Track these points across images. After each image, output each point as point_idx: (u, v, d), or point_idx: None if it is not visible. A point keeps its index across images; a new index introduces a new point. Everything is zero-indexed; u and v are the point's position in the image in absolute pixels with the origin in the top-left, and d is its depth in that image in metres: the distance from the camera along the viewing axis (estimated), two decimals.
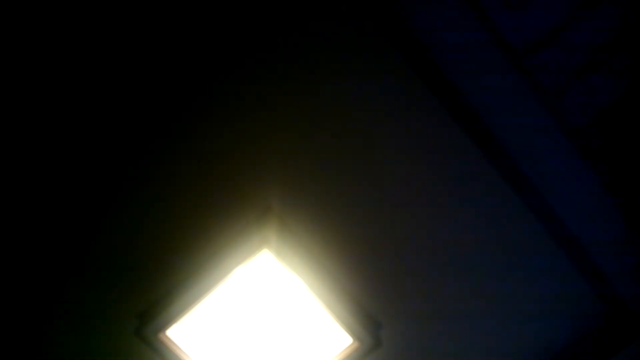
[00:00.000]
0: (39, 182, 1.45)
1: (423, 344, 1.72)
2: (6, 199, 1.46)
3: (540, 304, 1.64)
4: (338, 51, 1.33)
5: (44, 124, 1.38)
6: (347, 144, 1.43)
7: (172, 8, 1.28)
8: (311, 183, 1.48)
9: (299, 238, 1.54)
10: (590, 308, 1.65)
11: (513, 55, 1.36)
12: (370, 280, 1.61)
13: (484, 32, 1.33)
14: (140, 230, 1.52)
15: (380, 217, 1.52)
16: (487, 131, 1.42)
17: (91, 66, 1.33)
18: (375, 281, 1.61)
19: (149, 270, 1.57)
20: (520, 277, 1.60)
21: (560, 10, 1.36)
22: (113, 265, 1.56)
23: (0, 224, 1.49)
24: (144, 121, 1.39)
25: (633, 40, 1.39)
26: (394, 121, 1.41)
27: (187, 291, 1.52)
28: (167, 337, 1.58)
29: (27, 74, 1.33)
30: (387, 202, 1.50)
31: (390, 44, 1.32)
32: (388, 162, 1.45)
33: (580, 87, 1.44)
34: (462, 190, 1.49)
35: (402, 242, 1.55)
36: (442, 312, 1.66)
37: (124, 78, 1.34)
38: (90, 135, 1.40)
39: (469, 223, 1.53)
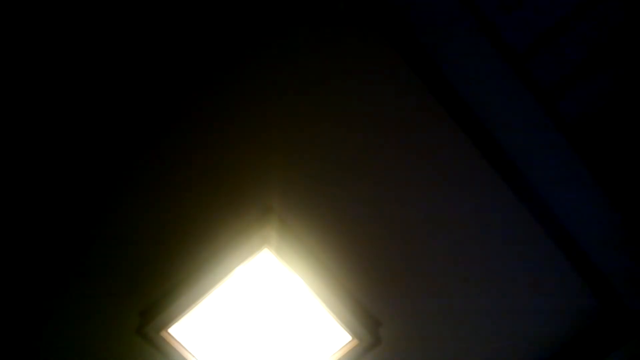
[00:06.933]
0: (40, 180, 1.45)
1: (422, 342, 1.72)
2: (8, 199, 1.47)
3: (539, 302, 1.65)
4: (339, 52, 1.33)
5: (45, 124, 1.39)
6: (348, 144, 1.44)
7: (172, 5, 1.28)
8: (311, 183, 1.48)
9: (299, 237, 1.55)
10: (588, 307, 1.65)
11: (511, 56, 1.37)
12: (370, 278, 1.62)
13: (482, 32, 1.33)
14: (142, 230, 1.52)
15: (380, 216, 1.53)
16: (487, 132, 1.43)
17: (90, 64, 1.33)
18: (375, 280, 1.62)
19: (151, 269, 1.58)
20: (519, 276, 1.60)
21: (558, 10, 1.36)
22: (115, 264, 1.57)
23: (2, 223, 1.50)
24: (144, 121, 1.40)
25: (630, 41, 1.39)
26: (394, 122, 1.41)
27: (188, 290, 1.53)
28: (169, 335, 1.59)
29: (21, 79, 1.34)
30: (387, 202, 1.51)
31: (390, 44, 1.32)
32: (388, 162, 1.46)
33: (578, 86, 1.44)
34: (461, 190, 1.49)
35: (402, 241, 1.56)
36: (441, 311, 1.67)
37: (123, 77, 1.35)
38: (90, 134, 1.40)
39: (468, 223, 1.53)
